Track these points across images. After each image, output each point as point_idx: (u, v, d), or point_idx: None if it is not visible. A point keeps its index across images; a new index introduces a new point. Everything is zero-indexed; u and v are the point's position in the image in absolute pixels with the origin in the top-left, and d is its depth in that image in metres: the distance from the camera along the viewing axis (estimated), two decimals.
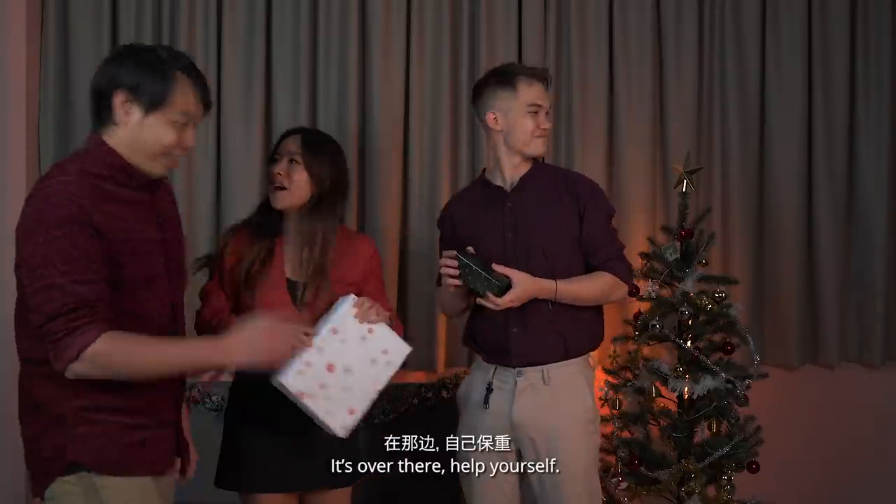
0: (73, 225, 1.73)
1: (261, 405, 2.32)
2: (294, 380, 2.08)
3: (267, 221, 2.40)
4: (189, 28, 3.45)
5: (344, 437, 2.17)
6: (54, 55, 3.46)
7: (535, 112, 2.45)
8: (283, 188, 2.34)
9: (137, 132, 1.85)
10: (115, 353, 1.74)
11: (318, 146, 2.39)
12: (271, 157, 2.42)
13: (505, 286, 2.29)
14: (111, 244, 1.78)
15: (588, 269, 2.45)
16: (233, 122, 3.46)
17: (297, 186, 2.34)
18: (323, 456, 2.32)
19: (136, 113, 1.84)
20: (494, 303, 2.29)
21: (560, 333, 2.39)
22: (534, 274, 2.35)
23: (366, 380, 2.19)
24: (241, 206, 3.45)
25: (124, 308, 1.81)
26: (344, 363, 2.15)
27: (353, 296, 2.22)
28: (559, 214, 2.44)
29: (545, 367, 2.38)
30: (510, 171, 2.49)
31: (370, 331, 2.20)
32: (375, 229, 3.46)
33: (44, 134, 3.46)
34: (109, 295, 1.77)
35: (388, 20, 3.51)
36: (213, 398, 3.28)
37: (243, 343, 1.90)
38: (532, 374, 2.39)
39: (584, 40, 3.58)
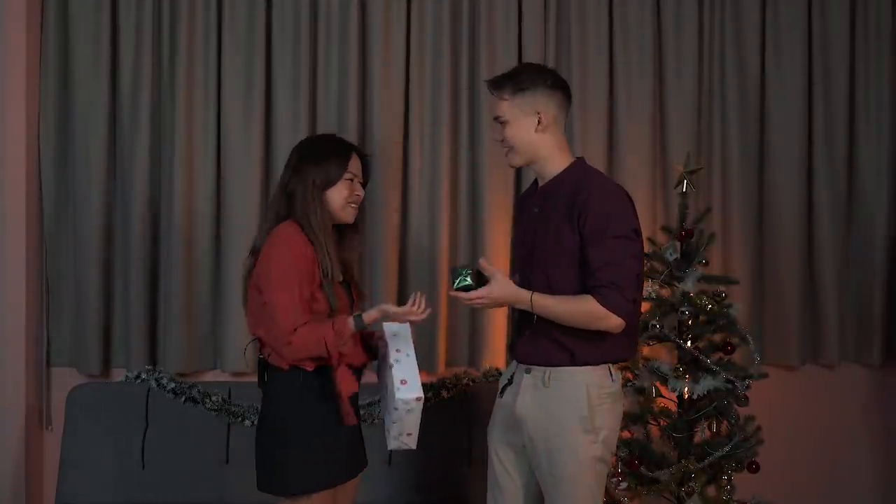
0: None
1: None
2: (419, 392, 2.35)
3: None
4: (189, 28, 3.45)
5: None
6: (54, 54, 3.46)
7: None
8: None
9: None
10: None
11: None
12: (338, 175, 2.44)
13: (475, 285, 2.31)
14: None
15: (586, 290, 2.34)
16: (233, 122, 3.46)
17: None
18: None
19: None
20: (457, 297, 2.33)
21: (561, 342, 2.35)
22: (533, 285, 2.35)
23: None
24: (241, 205, 3.46)
25: None
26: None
27: (408, 324, 2.48)
28: (560, 225, 2.36)
29: (549, 369, 2.38)
30: (547, 170, 2.46)
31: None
32: (375, 229, 3.46)
33: (44, 134, 3.47)
34: None
35: (387, 20, 3.51)
36: (213, 398, 3.27)
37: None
38: (536, 373, 2.40)
39: (584, 41, 3.58)
